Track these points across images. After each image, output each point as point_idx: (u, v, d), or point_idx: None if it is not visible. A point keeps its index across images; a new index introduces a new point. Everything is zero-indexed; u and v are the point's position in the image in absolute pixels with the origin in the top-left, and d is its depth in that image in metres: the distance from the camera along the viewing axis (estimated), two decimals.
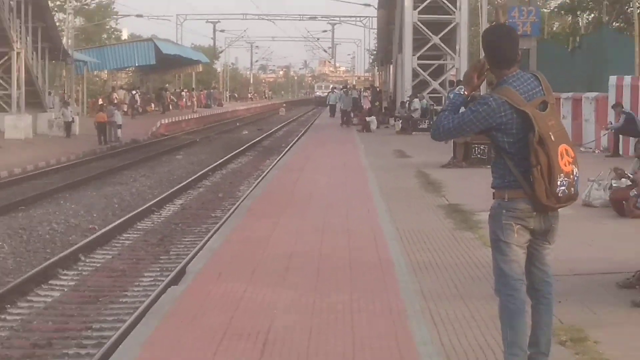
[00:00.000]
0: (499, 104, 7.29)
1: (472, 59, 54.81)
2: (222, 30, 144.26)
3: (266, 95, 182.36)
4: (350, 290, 11.69)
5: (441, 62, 56.17)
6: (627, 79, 33.10)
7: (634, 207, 14.51)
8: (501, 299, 7.62)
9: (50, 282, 17.48)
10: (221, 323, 10.09)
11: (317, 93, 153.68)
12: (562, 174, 7.19)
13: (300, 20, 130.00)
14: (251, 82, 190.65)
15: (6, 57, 58.07)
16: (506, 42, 7.72)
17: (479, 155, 28.15)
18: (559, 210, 7.55)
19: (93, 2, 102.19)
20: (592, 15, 66.90)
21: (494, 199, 7.64)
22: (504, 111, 7.29)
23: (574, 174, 7.25)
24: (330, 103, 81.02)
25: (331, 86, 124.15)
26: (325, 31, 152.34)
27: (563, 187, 7.17)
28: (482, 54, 8.00)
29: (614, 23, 60.72)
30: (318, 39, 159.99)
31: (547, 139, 7.16)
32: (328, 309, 10.71)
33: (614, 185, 18.05)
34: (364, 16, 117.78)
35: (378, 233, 16.52)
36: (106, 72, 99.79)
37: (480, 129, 7.48)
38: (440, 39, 54.26)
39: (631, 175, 17.79)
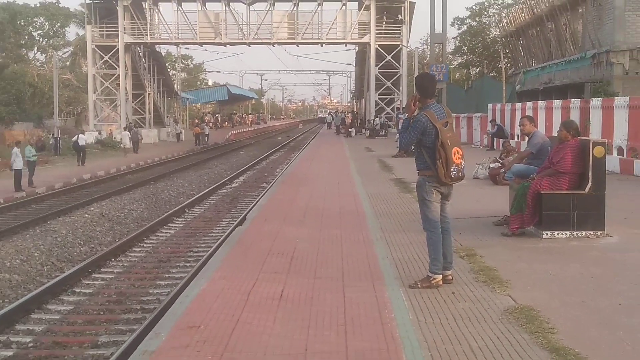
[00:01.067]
0: (426, 119, 7.50)
1: (410, 94, 54.66)
2: (266, 79, 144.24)
3: (291, 117, 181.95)
4: (340, 228, 11.68)
5: (391, 97, 55.87)
6: (498, 105, 33.09)
7: (502, 179, 14.52)
8: (428, 234, 7.79)
9: (168, 224, 17.63)
10: (267, 247, 10.10)
11: (320, 115, 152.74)
12: (454, 165, 7.48)
13: (310, 73, 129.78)
14: (282, 109, 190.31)
15: (142, 96, 58.21)
16: (430, 83, 7.93)
17: (414, 150, 28.12)
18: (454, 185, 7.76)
19: (191, 64, 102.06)
20: (478, 69, 66.77)
21: (418, 176, 7.79)
22: (428, 123, 7.47)
23: (462, 165, 7.54)
24: (327, 121, 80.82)
25: (328, 111, 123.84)
26: (325, 79, 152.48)
27: (454, 172, 7.48)
28: (415, 91, 8.02)
29: (490, 74, 60.57)
30: (321, 84, 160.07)
31: (446, 144, 7.44)
32: (327, 239, 10.71)
33: (491, 166, 18.04)
34: (347, 70, 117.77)
35: (356, 195, 16.45)
36: (199, 104, 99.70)
37: (421, 134, 7.57)
38: (391, 83, 54.01)
39: (500, 161, 17.84)
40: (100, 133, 50.12)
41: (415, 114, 7.75)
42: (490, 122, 31.30)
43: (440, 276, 7.66)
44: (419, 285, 7.57)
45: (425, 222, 7.80)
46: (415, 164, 7.93)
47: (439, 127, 7.43)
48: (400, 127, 8.32)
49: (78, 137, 36.29)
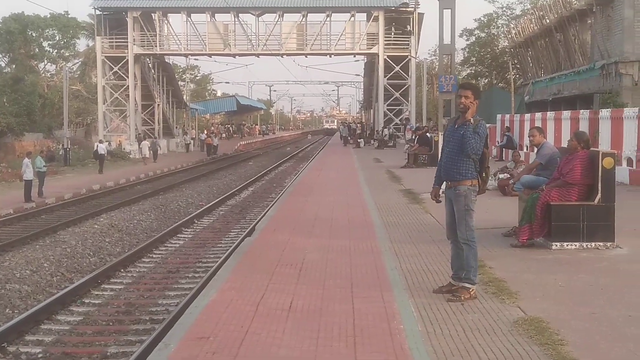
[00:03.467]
0: (484, 126, 7.48)
1: (418, 107, 54.63)
2: (275, 90, 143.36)
3: (300, 127, 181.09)
4: (349, 239, 11.69)
5: (400, 107, 55.81)
6: (507, 116, 32.96)
7: (511, 189, 14.46)
8: (470, 244, 7.59)
9: (177, 235, 17.61)
10: (276, 257, 10.12)
11: (326, 126, 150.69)
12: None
13: (319, 84, 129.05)
14: (291, 120, 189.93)
15: (151, 107, 58.45)
16: (477, 90, 7.83)
17: (422, 161, 28.10)
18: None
19: (199, 75, 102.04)
20: (487, 80, 66.66)
21: (459, 185, 7.58)
22: (486, 131, 7.52)
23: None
24: (341, 133, 79.71)
25: (336, 122, 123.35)
26: (333, 90, 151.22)
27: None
28: (472, 96, 7.58)
29: (499, 84, 60.46)
30: (329, 94, 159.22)
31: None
32: (336, 249, 10.72)
33: (500, 177, 17.97)
34: (356, 81, 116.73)
35: (364, 205, 16.47)
36: (208, 115, 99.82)
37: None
38: (399, 94, 53.98)
39: (509, 171, 17.78)
40: (109, 144, 50.39)
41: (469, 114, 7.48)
42: (504, 134, 31.05)
43: (474, 288, 7.64)
44: (462, 298, 7.46)
45: (468, 232, 7.58)
46: (448, 174, 7.67)
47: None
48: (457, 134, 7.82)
49: (98, 146, 38.32)
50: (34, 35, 64.29)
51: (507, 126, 30.98)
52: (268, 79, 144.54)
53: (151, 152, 45.95)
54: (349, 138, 58.96)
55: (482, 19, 63.97)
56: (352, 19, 54.89)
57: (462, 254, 7.62)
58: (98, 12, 54.96)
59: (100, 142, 40.47)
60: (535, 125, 20.58)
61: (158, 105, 59.60)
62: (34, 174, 24.83)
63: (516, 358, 5.75)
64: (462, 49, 67.00)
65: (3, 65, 65.24)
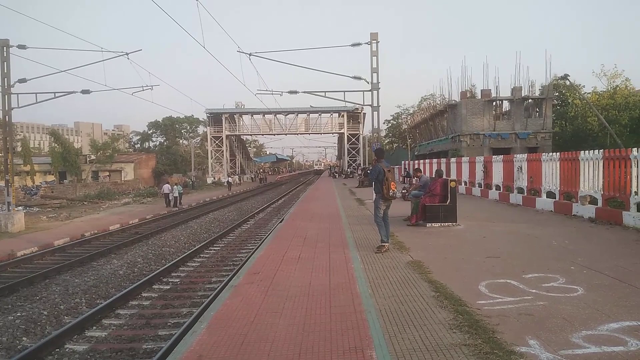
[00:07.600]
0: (380, 167, 7.33)
1: (367, 157, 54.44)
2: (294, 150, 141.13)
3: (305, 169, 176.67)
4: (329, 222, 11.60)
5: (355, 158, 55.48)
6: (406, 161, 32.71)
7: (407, 197, 14.00)
8: (377, 224, 7.55)
9: (247, 222, 17.28)
10: (291, 234, 9.97)
11: (315, 168, 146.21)
12: (391, 190, 7.29)
13: (316, 147, 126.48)
14: (302, 165, 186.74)
15: (234, 159, 57.24)
16: (379, 152, 7.76)
17: (365, 185, 27.39)
18: (392, 201, 7.55)
19: (258, 143, 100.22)
20: (396, 144, 65.18)
21: (375, 195, 7.56)
22: (380, 170, 7.32)
23: (394, 190, 7.31)
24: (330, 172, 79.00)
25: (323, 165, 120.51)
26: (323, 149, 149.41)
27: (391, 193, 7.27)
28: (374, 155, 7.82)
29: (402, 146, 59.72)
30: (321, 152, 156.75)
31: (388, 179, 7.31)
32: (322, 228, 10.64)
33: (402, 191, 16.53)
34: (334, 145, 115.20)
35: (338, 211, 16.14)
36: (262, 163, 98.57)
37: (377, 174, 7.38)
38: (354, 152, 54.01)
39: (407, 189, 17.33)
40: (214, 178, 50.35)
41: (374, 164, 7.62)
42: (404, 170, 30.79)
43: (387, 244, 7.52)
44: (381, 251, 7.31)
45: (376, 218, 7.54)
46: (373, 190, 7.71)
47: (385, 171, 7.37)
48: (359, 173, 7.85)
49: (227, 179, 40.95)
50: (177, 126, 64.70)
51: (404, 168, 30.80)
52: (291, 145, 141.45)
53: (239, 181, 46.20)
54: (333, 174, 58.62)
55: (394, 114, 64.16)
56: (331, 115, 55.26)
57: (387, 227, 7.60)
58: (208, 115, 55.14)
59: (227, 177, 41.78)
60: (418, 167, 20.61)
61: (237, 159, 59.39)
62: (177, 194, 24.81)
63: (407, 280, 5.73)
64: (385, 129, 66.88)
65: (162, 141, 65.44)
